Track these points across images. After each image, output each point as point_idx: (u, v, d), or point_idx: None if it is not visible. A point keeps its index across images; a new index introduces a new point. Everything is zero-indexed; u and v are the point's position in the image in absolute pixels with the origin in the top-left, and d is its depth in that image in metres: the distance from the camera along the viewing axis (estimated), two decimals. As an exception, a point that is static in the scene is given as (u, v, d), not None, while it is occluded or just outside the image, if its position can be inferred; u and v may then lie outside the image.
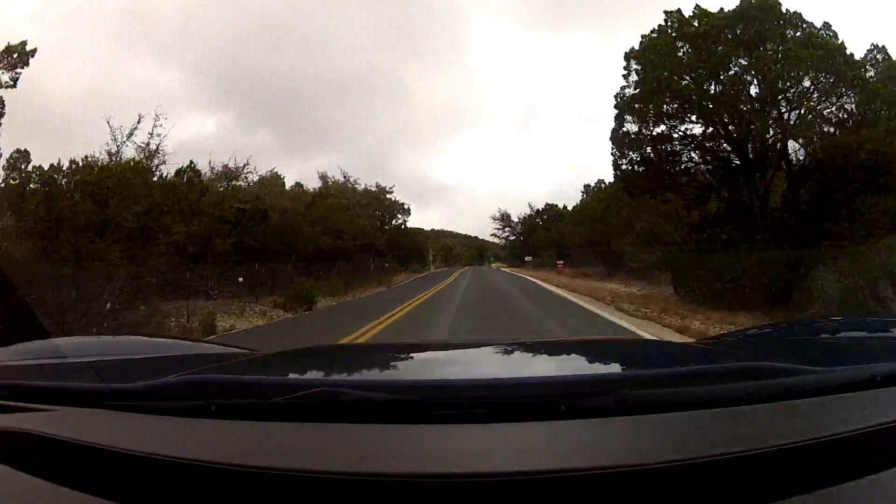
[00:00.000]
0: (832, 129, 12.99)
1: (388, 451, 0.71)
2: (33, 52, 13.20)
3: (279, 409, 0.80)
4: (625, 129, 14.94)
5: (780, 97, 12.68)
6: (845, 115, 12.85)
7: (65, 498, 0.69)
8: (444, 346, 1.53)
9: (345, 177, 33.11)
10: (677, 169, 14.86)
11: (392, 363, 1.38)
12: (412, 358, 1.44)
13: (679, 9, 13.73)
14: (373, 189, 34.98)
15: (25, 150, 18.80)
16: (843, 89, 12.47)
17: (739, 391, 0.81)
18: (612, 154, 15.26)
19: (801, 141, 12.94)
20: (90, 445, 0.74)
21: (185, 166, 16.80)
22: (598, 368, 1.26)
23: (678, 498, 0.64)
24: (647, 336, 7.83)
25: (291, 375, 1.15)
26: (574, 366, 1.31)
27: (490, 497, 0.61)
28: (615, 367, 1.25)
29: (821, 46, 12.15)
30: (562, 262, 36.04)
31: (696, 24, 13.30)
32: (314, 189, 30.68)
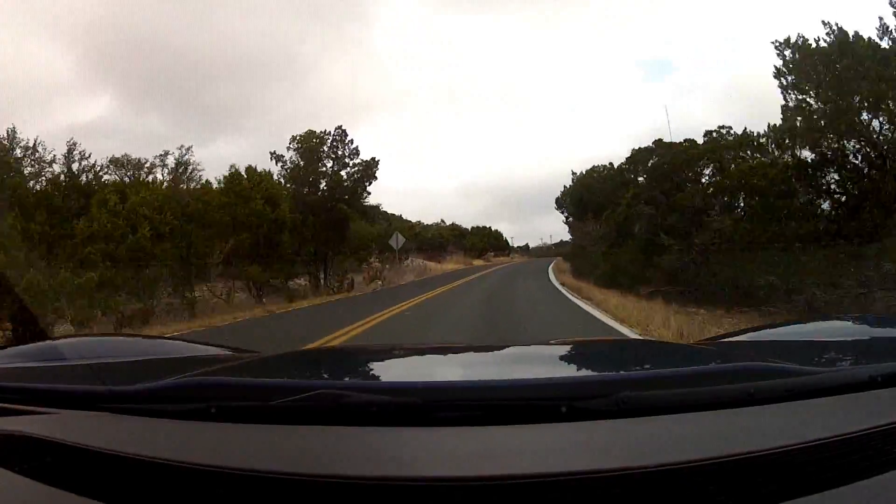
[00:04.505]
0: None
1: (388, 454, 0.71)
2: None
3: (280, 412, 0.80)
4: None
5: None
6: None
7: (65, 501, 0.68)
8: (445, 348, 1.53)
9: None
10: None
11: (392, 365, 1.38)
12: (412, 360, 1.44)
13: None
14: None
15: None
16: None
17: (740, 392, 0.81)
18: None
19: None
20: (90, 448, 0.74)
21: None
22: (598, 370, 1.26)
23: (679, 500, 0.64)
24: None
25: (292, 378, 1.15)
26: (574, 367, 1.31)
27: (492, 499, 0.61)
28: (615, 369, 1.25)
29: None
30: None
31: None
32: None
